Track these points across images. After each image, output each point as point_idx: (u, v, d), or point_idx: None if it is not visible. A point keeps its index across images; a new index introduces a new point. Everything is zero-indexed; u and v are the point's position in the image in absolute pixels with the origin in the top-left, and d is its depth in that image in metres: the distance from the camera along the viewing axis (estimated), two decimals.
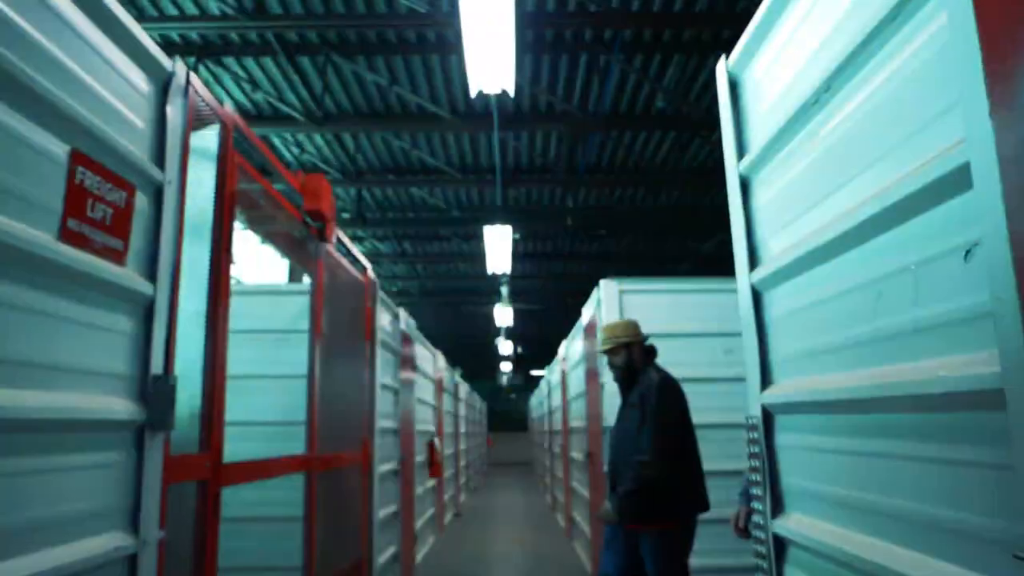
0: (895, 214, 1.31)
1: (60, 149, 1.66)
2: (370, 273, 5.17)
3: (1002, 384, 0.99)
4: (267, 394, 4.62)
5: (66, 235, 1.67)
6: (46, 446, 1.60)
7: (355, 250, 4.85)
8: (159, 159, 2.12)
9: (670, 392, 3.36)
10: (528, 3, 5.67)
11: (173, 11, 5.90)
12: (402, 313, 6.46)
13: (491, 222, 10.12)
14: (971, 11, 1.05)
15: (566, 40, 6.64)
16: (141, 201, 2.01)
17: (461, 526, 10.15)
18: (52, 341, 1.63)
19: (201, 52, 6.76)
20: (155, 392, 2.00)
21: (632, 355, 3.50)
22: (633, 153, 9.31)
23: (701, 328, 4.81)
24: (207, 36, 6.41)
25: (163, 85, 2.18)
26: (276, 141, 8.82)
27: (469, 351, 26.62)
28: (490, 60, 5.19)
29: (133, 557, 1.90)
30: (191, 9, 5.89)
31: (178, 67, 2.21)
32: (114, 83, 1.91)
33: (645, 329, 3.62)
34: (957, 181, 1.11)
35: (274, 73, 7.32)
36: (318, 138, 8.77)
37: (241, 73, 7.33)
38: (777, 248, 1.97)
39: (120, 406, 1.87)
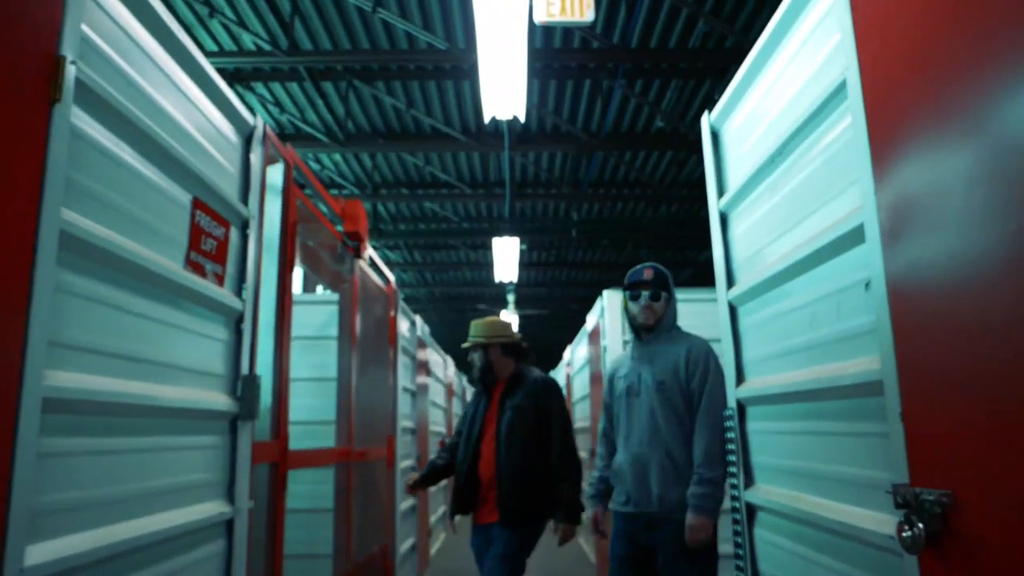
0: (823, 255, 1.76)
1: (184, 197, 2.12)
2: (393, 284, 5.63)
3: (881, 377, 1.44)
4: (298, 396, 5.01)
5: (189, 264, 2.13)
6: (176, 428, 2.05)
7: (381, 264, 5.31)
8: (244, 198, 2.59)
9: (561, 392, 3.39)
10: (537, 40, 6.14)
11: (212, 47, 6.39)
12: (418, 320, 6.91)
13: (499, 234, 10.59)
14: (863, 117, 1.50)
15: (572, 68, 7.10)
16: (233, 233, 2.47)
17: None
18: (176, 346, 2.08)
19: (232, 78, 7.24)
20: (244, 388, 2.45)
21: (505, 354, 3.36)
22: (634, 169, 9.77)
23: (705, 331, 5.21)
24: (241, 67, 6.88)
25: (247, 136, 2.64)
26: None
27: None
28: (503, 90, 5.66)
29: (230, 521, 2.35)
30: (229, 45, 6.38)
31: (258, 121, 2.68)
32: (217, 140, 2.37)
33: None
34: (857, 235, 1.56)
35: (299, 96, 7.80)
36: (336, 155, 9.23)
37: (268, 96, 7.81)
38: (748, 271, 2.42)
39: (221, 400, 2.33)
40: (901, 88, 1.39)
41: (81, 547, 1.50)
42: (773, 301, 2.18)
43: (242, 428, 2.44)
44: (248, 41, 6.35)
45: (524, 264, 14.44)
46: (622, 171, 9.91)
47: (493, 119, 7.22)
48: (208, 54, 6.36)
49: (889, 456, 1.43)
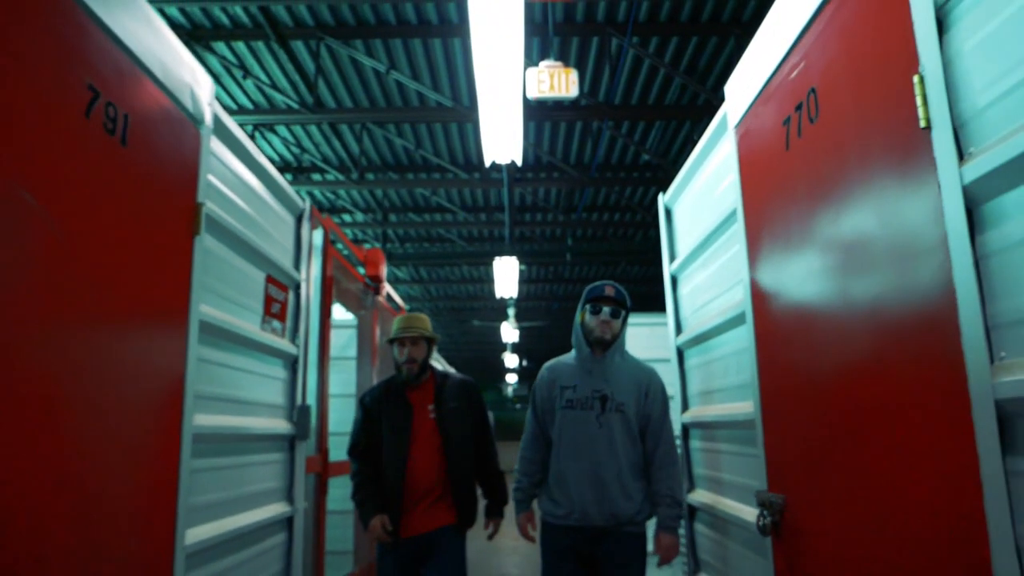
0: (727, 326, 2.42)
1: (261, 276, 2.78)
2: (405, 310, 6.30)
3: (755, 416, 2.10)
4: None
5: (264, 325, 2.79)
6: (256, 449, 2.71)
7: (395, 295, 5.97)
8: (297, 264, 3.25)
9: None
10: (532, 89, 6.80)
11: (248, 105, 7.10)
12: None
13: (500, 255, 11.26)
14: (744, 240, 2.16)
15: (564, 114, 7.77)
16: (290, 295, 3.13)
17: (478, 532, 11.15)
18: (256, 387, 2.74)
19: (259, 124, 7.93)
20: (299, 416, 3.11)
21: (430, 352, 3.10)
22: (624, 197, 10.44)
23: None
24: (269, 121, 7.58)
25: (298, 216, 3.31)
26: (315, 191, 9.99)
27: (477, 364, 27.68)
28: (501, 141, 6.32)
29: (290, 519, 3.01)
30: (263, 104, 7.09)
31: (306, 204, 3.35)
32: (278, 225, 3.04)
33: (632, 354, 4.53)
34: (743, 317, 2.22)
35: (317, 137, 8.48)
36: (353, 189, 9.91)
37: (290, 138, 8.50)
38: (691, 324, 3.08)
39: (283, 426, 2.98)
40: (763, 223, 2.06)
41: (211, 533, 2.16)
42: (703, 352, 2.84)
43: (298, 447, 3.10)
44: (279, 100, 7.04)
45: (523, 280, 15.10)
46: (613, 198, 10.58)
47: (493, 162, 7.89)
48: (246, 111, 7.07)
49: (757, 470, 2.09)
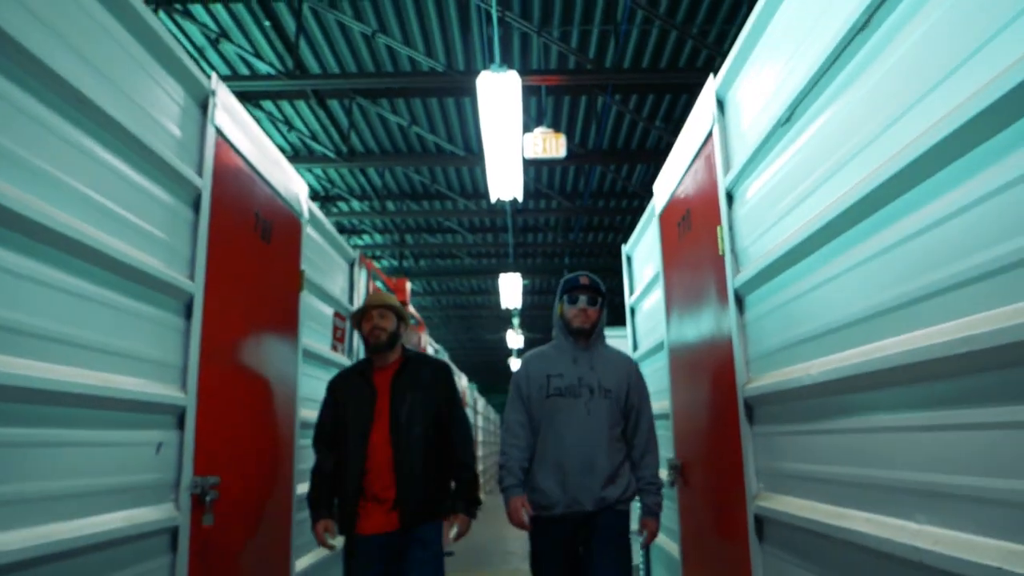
0: (656, 349, 3.43)
1: (330, 312, 3.81)
2: (423, 324, 7.32)
3: (669, 411, 3.10)
4: None
5: (332, 347, 3.81)
6: None
7: (416, 314, 7.00)
8: (350, 300, 4.28)
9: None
10: (528, 151, 7.85)
11: (290, 152, 8.17)
12: (439, 348, 8.57)
13: (504, 271, 12.29)
14: (663, 295, 3.17)
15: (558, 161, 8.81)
16: (347, 323, 4.16)
17: (483, 516, 12.09)
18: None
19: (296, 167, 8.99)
20: None
21: (399, 329, 2.76)
22: (615, 223, 11.46)
23: None
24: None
25: (351, 263, 4.34)
26: (343, 220, 11.04)
27: (483, 368, 28.66)
28: (504, 183, 7.34)
29: None
30: (303, 151, 8.18)
31: (356, 253, 4.37)
32: (338, 271, 4.07)
33: None
34: (662, 344, 3.22)
35: (344, 171, 9.53)
36: (376, 219, 11.00)
37: (321, 173, 9.56)
38: (642, 345, 4.08)
39: None
40: (671, 284, 3.06)
41: (304, 489, 3.18)
42: (647, 365, 3.85)
43: None
44: (318, 149, 8.11)
45: (526, 292, 16.13)
46: (606, 221, 11.60)
47: (498, 199, 8.94)
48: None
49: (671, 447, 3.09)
